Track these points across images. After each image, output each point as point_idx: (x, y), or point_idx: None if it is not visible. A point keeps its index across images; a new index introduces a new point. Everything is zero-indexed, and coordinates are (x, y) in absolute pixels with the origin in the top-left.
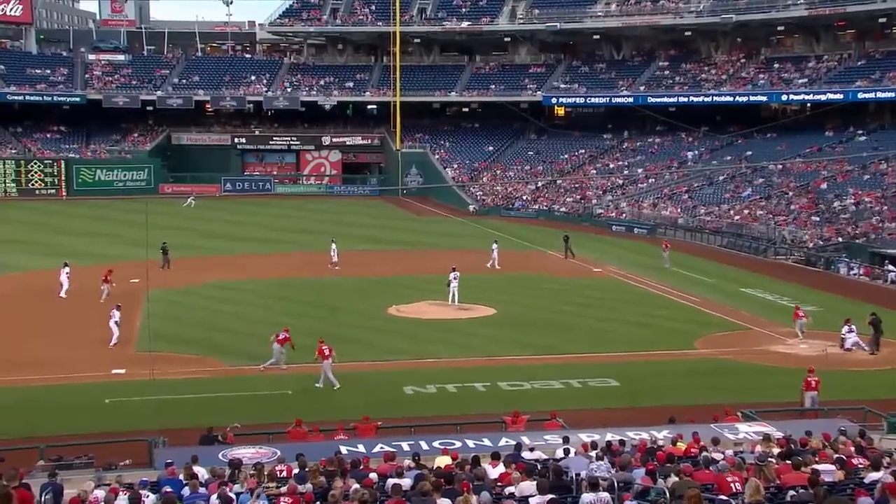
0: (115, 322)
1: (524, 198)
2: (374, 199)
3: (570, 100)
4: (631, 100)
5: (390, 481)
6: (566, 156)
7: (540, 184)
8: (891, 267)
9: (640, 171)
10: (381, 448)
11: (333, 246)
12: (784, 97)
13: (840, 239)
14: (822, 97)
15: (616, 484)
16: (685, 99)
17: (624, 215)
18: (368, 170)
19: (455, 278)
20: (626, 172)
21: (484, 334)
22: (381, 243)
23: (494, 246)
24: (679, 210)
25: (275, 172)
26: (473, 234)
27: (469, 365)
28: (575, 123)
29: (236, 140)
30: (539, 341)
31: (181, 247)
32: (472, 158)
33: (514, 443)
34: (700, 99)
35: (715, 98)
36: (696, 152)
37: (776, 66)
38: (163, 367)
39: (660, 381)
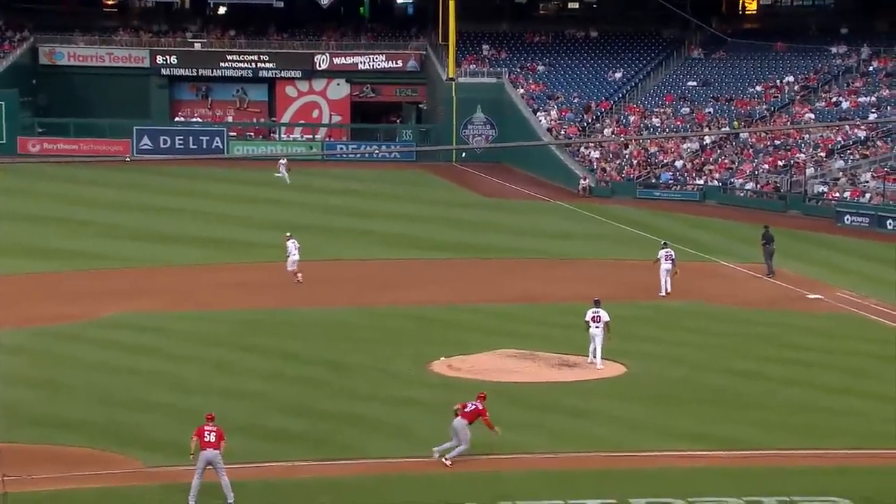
0: None
1: (678, 165)
2: (410, 167)
3: None
4: None
5: None
6: (758, 88)
7: (709, 140)
8: None
9: None
10: None
11: (291, 245)
12: None
13: None
14: None
15: None
16: None
17: (867, 197)
18: (399, 116)
19: (598, 320)
20: (871, 117)
21: (606, 413)
22: (423, 247)
23: (664, 254)
24: None
25: (230, 119)
26: (590, 234)
27: (579, 467)
28: (777, 27)
29: (160, 59)
30: (708, 428)
31: (53, 253)
32: (586, 94)
33: None
34: None
35: None
36: None
37: None
38: (21, 469)
39: None
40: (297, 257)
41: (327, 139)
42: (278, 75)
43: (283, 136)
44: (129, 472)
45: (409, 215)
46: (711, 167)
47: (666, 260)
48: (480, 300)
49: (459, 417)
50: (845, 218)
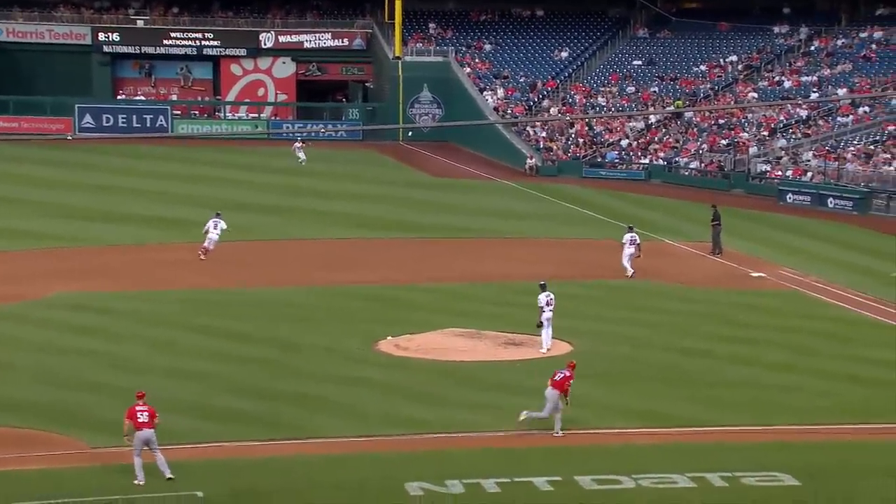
0: None
1: (624, 144)
2: (356, 147)
3: None
4: None
5: None
6: (702, 67)
7: (654, 119)
8: None
9: (840, 92)
10: None
11: (212, 223)
12: None
13: None
14: None
15: None
16: None
17: (809, 175)
18: (345, 95)
19: (549, 303)
20: (813, 96)
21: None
22: (371, 227)
23: (629, 238)
24: None
25: (174, 97)
26: (537, 213)
27: (524, 445)
28: (720, 6)
29: (102, 37)
30: (654, 405)
31: None
32: (533, 73)
33: None
34: None
35: None
36: None
37: None
38: None
39: (880, 483)
40: (215, 237)
41: (273, 118)
42: (223, 53)
43: (228, 114)
44: (74, 452)
45: (357, 195)
46: (656, 146)
47: (630, 244)
48: (428, 279)
49: (550, 387)
50: (787, 196)
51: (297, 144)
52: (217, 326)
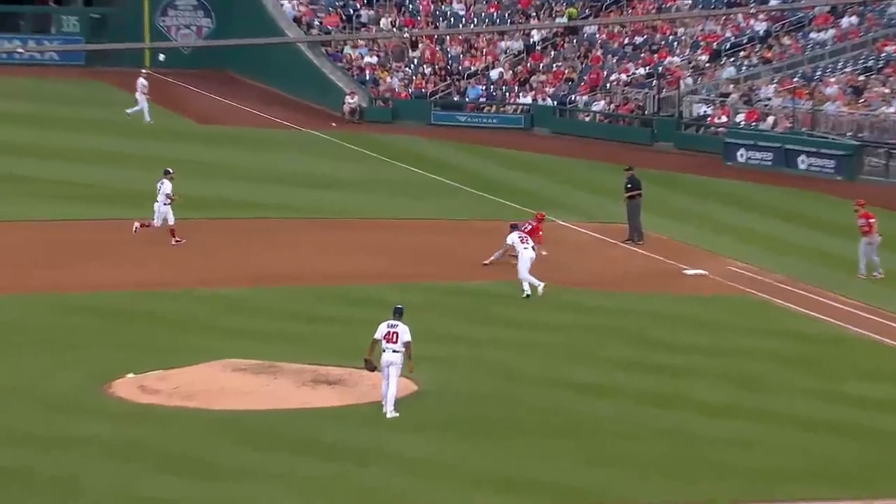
0: None
1: (494, 75)
2: (75, 76)
3: None
4: None
5: None
6: None
7: (537, 36)
8: None
9: None
10: None
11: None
12: None
13: None
14: None
15: None
16: None
17: (771, 121)
18: None
19: (391, 338)
20: (774, 2)
21: (383, 452)
22: (100, 202)
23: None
24: None
25: None
26: (362, 179)
27: None
28: None
29: None
30: (531, 471)
31: None
32: None
33: None
34: None
35: None
36: None
37: None
38: None
39: None
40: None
41: None
42: None
43: None
44: None
45: (80, 151)
46: (542, 78)
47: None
48: (194, 283)
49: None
50: (738, 153)
51: (141, 81)
52: None
